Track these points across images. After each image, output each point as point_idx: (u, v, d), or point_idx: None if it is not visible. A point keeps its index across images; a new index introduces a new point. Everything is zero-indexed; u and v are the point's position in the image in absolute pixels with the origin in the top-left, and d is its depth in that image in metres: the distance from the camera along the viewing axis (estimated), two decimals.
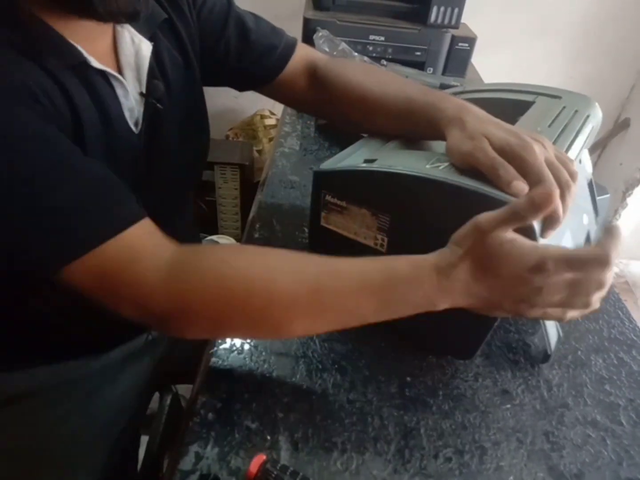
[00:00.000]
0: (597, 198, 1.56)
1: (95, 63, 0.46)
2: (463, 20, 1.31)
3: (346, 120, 0.68)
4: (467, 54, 1.30)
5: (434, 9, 1.19)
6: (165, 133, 0.56)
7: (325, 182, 0.52)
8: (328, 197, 0.51)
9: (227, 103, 1.92)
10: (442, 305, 0.41)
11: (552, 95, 0.61)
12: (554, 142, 0.50)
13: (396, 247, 0.49)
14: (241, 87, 0.70)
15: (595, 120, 0.58)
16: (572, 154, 0.50)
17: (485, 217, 0.38)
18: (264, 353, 0.53)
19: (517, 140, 0.44)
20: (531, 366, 0.56)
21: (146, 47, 0.52)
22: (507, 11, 1.65)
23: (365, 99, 0.60)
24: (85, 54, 0.45)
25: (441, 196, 0.45)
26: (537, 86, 0.63)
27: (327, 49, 1.16)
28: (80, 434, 0.63)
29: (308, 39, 1.19)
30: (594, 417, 0.51)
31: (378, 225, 0.49)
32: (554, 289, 0.37)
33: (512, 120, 0.53)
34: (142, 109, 0.52)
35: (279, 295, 0.41)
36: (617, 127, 1.84)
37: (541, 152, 0.43)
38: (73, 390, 0.64)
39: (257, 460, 0.40)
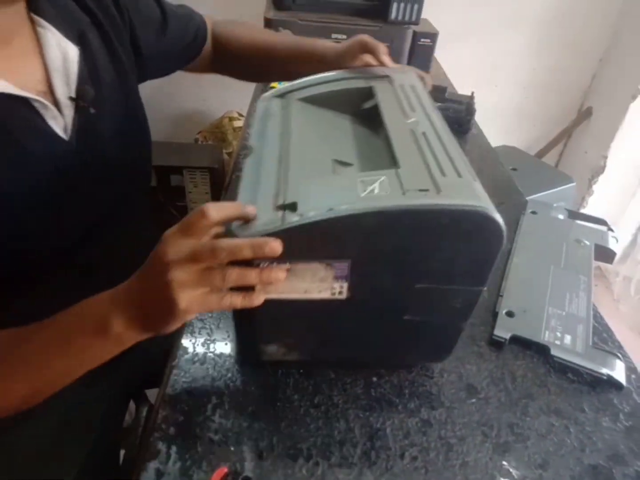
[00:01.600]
0: (563, 187, 1.57)
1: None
2: (424, 15, 1.32)
3: (247, 73, 0.83)
4: (430, 49, 1.31)
5: (394, 6, 1.19)
6: (100, 136, 0.55)
7: None
8: (262, 264, 0.41)
9: (194, 106, 1.90)
10: (117, 321, 0.40)
11: (380, 75, 0.62)
12: (423, 119, 0.51)
13: (361, 287, 0.43)
14: (167, 73, 0.76)
15: (423, 85, 0.61)
16: (439, 117, 0.52)
17: None
18: (227, 362, 0.52)
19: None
20: (496, 358, 0.56)
21: (72, 51, 0.51)
22: (468, 5, 1.67)
23: (258, 51, 0.75)
24: None
25: (401, 226, 0.40)
26: (360, 70, 0.65)
27: None
28: (56, 436, 0.62)
29: None
30: (557, 405, 0.52)
31: (335, 274, 0.43)
32: (187, 276, 0.38)
33: (358, 106, 0.60)
34: (72, 113, 0.51)
35: None
36: (581, 116, 1.88)
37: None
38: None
39: (219, 474, 0.39)
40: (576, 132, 1.93)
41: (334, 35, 1.22)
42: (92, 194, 0.56)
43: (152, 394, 0.86)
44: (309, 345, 0.50)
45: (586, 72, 1.84)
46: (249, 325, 0.47)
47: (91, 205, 0.57)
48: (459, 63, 1.56)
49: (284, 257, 0.39)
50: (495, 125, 1.89)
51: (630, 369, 0.56)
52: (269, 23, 1.21)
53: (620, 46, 1.71)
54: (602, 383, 0.54)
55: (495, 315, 0.60)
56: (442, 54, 1.46)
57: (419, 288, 0.43)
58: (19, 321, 0.56)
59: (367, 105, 0.59)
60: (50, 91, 0.50)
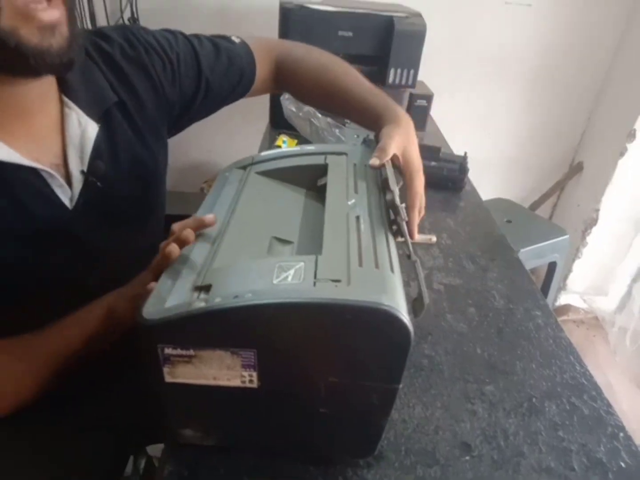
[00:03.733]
0: (557, 239, 1.61)
1: (6, 156, 0.49)
2: (420, 78, 1.41)
3: (311, 104, 0.89)
4: (425, 109, 1.39)
5: (392, 72, 1.28)
6: (107, 207, 0.59)
7: (159, 335, 0.40)
8: (168, 350, 0.40)
9: (200, 157, 1.98)
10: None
11: (338, 152, 0.64)
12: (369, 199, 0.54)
13: (270, 377, 0.42)
14: (214, 111, 0.79)
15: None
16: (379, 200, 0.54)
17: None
18: None
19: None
20: (488, 416, 0.58)
21: (92, 129, 0.55)
22: (460, 67, 1.78)
23: (320, 91, 0.75)
24: None
25: (305, 319, 0.39)
26: (322, 146, 0.69)
27: (293, 109, 1.23)
28: None
29: (275, 100, 1.26)
30: (548, 464, 0.53)
31: (242, 363, 0.41)
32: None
33: (314, 182, 0.61)
34: (80, 186, 0.56)
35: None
36: (572, 170, 1.95)
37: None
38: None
39: None
40: (569, 185, 2.00)
41: None
42: (97, 257, 0.60)
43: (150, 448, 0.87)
44: (225, 432, 0.48)
45: (576, 128, 1.93)
46: (160, 408, 0.46)
47: (97, 264, 0.61)
48: (453, 120, 1.65)
49: (190, 343, 0.39)
50: (489, 179, 1.96)
51: (618, 427, 0.58)
52: None
53: (607, 104, 1.81)
54: None
55: None
56: (437, 111, 1.54)
57: (331, 382, 0.42)
58: None
59: (321, 182, 0.59)
60: (65, 164, 0.55)
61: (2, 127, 0.49)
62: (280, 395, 0.44)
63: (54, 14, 0.43)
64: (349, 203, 0.51)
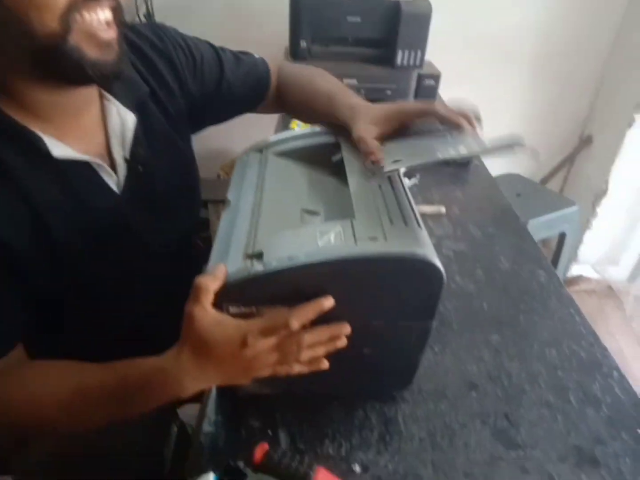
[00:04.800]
0: (566, 210, 1.64)
1: (61, 152, 0.54)
2: (428, 57, 1.45)
3: (310, 119, 0.84)
4: (433, 89, 1.44)
5: (399, 53, 1.33)
6: (150, 190, 0.65)
7: (226, 295, 0.45)
8: (232, 309, 0.46)
9: (217, 144, 2.05)
10: (186, 392, 0.47)
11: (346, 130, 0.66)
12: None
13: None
14: (229, 118, 0.84)
15: None
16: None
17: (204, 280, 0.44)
18: None
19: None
20: (493, 360, 0.65)
21: (131, 119, 0.62)
22: (468, 47, 1.80)
23: (319, 100, 0.74)
24: (48, 144, 0.52)
25: (353, 271, 0.45)
26: (329, 125, 0.70)
27: None
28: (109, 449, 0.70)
29: None
30: (547, 398, 0.60)
31: None
32: (264, 355, 0.45)
33: (328, 158, 0.65)
34: (125, 172, 0.62)
35: (45, 420, 0.53)
36: (582, 143, 1.98)
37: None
38: None
39: (261, 448, 0.48)
40: (578, 158, 2.02)
41: (345, 81, 1.35)
42: (143, 237, 0.65)
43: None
44: (280, 381, 0.51)
45: (584, 102, 1.95)
46: None
47: (144, 245, 0.67)
48: (461, 97, 1.68)
49: (252, 302, 0.45)
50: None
51: (612, 367, 0.64)
52: None
53: (615, 76, 1.82)
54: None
55: None
56: (446, 92, 1.58)
57: (374, 325, 0.49)
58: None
59: (335, 158, 0.65)
60: (109, 153, 0.61)
61: (56, 126, 0.55)
62: None
63: (111, 34, 0.51)
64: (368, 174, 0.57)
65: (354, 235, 0.46)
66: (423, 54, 1.37)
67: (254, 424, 0.54)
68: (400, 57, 1.33)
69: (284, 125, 1.37)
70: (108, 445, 0.71)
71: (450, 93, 1.62)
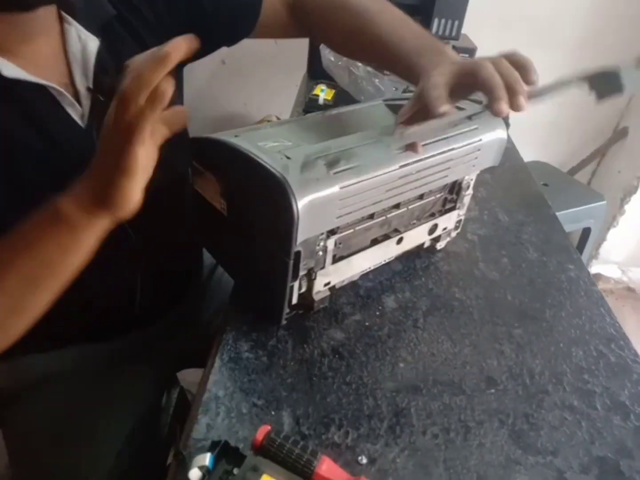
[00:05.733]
0: (593, 205, 1.59)
1: (12, 72, 0.48)
2: (464, 31, 1.36)
3: (327, 45, 0.77)
4: None
5: (435, 22, 1.24)
6: None
7: (193, 148, 0.59)
8: (195, 162, 0.59)
9: (235, 110, 1.99)
10: (79, 223, 0.43)
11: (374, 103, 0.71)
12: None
13: (234, 211, 0.57)
14: (231, 41, 0.74)
15: None
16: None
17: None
18: (271, 340, 0.58)
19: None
20: (515, 356, 0.60)
21: (92, 43, 0.55)
22: (506, 24, 1.70)
23: (350, 35, 0.67)
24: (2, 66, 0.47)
25: (244, 164, 0.51)
26: (358, 105, 0.71)
27: (332, 58, 1.22)
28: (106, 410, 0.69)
29: (314, 49, 1.25)
30: (571, 402, 0.55)
31: (220, 191, 0.57)
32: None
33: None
34: (89, 103, 0.56)
35: None
36: (616, 135, 1.88)
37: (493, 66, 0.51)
38: (99, 369, 0.71)
39: (263, 430, 0.45)
40: (610, 151, 1.93)
41: None
42: None
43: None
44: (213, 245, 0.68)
45: None
46: None
47: None
48: None
49: (201, 162, 0.59)
50: (529, 140, 1.90)
51: None
52: None
53: None
54: None
55: None
56: None
57: (249, 229, 0.56)
58: None
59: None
60: (72, 82, 0.55)
61: (7, 50, 0.49)
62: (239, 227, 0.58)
63: None
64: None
65: (282, 152, 0.50)
66: (460, 25, 1.28)
67: (257, 402, 0.51)
68: (436, 26, 1.25)
69: (307, 91, 1.30)
70: (104, 405, 0.70)
71: None
